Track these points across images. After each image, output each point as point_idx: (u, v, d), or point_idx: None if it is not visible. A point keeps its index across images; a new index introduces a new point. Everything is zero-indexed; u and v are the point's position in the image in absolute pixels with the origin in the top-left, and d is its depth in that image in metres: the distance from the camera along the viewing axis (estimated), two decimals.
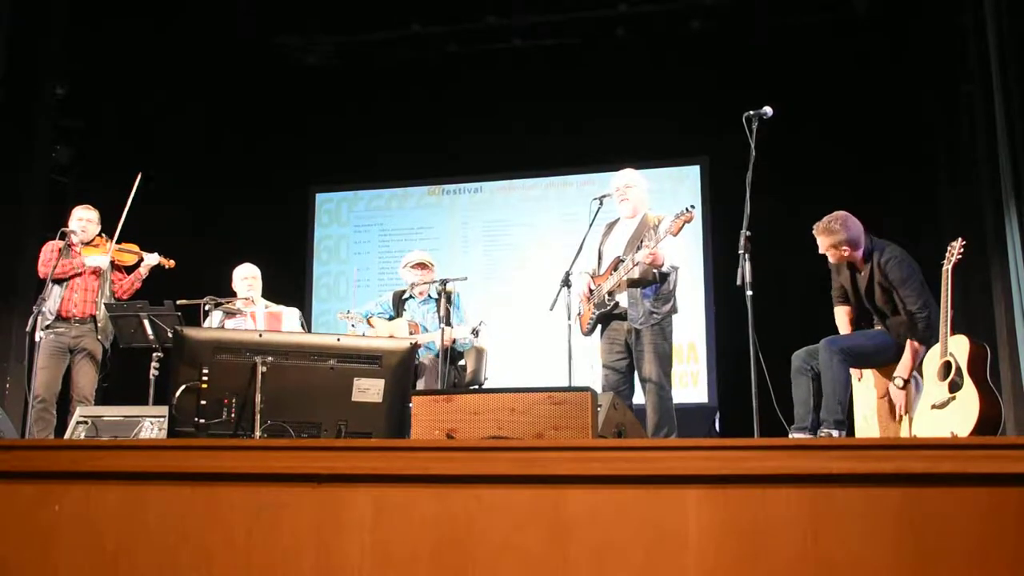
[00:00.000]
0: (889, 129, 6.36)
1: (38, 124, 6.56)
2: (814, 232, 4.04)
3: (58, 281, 5.17)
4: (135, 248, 5.40)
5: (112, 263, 5.32)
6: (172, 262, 5.37)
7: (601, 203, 4.59)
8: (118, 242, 5.35)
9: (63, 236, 5.21)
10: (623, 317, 4.44)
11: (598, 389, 4.19)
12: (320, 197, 8.05)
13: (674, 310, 4.46)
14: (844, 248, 3.96)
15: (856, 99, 6.47)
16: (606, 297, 4.48)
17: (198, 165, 7.44)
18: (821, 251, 4.06)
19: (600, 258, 4.66)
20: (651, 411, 4.35)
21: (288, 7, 7.28)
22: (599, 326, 4.57)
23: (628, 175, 4.68)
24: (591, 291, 4.58)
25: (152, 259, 5.36)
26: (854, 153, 6.29)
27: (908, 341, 3.86)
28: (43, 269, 5.18)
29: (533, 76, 7.25)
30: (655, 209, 4.62)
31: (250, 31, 7.27)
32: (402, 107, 7.49)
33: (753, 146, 3.80)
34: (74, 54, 6.79)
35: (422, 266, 5.45)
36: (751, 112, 3.85)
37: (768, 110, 3.82)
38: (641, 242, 4.33)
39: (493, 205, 7.69)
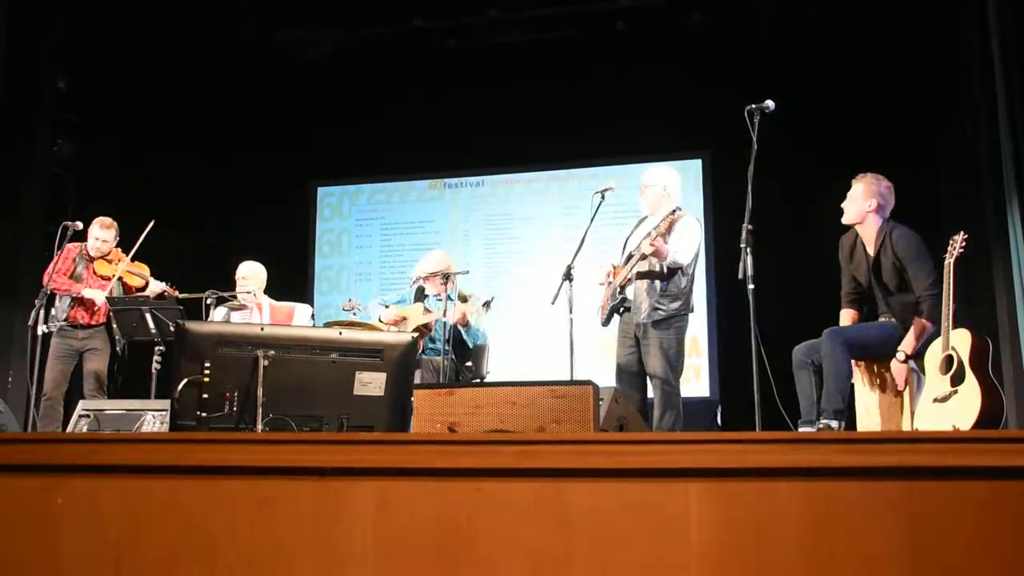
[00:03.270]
0: (891, 122, 6.35)
1: (39, 118, 6.56)
2: (857, 179, 4.03)
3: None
4: (145, 272, 5.48)
5: (120, 280, 5.43)
6: (177, 292, 5.42)
7: (603, 197, 4.61)
8: (131, 260, 5.43)
9: (72, 236, 5.29)
10: (631, 310, 4.49)
11: (608, 380, 4.24)
12: (321, 191, 8.05)
13: (686, 308, 4.46)
14: (873, 200, 3.96)
15: (858, 92, 6.45)
16: (617, 290, 4.53)
17: (199, 160, 7.44)
18: (846, 202, 4.04)
19: (624, 250, 4.69)
20: (657, 405, 4.40)
21: (289, 2, 7.27)
22: (615, 316, 4.62)
23: (646, 175, 4.71)
24: (610, 281, 4.62)
25: (157, 287, 5.44)
26: (856, 146, 6.26)
27: (915, 318, 3.84)
28: (46, 279, 5.31)
29: (534, 70, 7.23)
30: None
31: (250, 31, 7.26)
32: (403, 101, 7.48)
33: (755, 140, 3.79)
34: (75, 48, 6.78)
35: (427, 279, 5.43)
36: (753, 106, 3.84)
37: (770, 104, 3.82)
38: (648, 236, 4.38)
39: (495, 199, 7.69)
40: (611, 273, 4.65)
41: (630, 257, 4.51)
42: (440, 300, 5.34)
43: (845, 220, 4.07)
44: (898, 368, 3.86)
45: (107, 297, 5.34)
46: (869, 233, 4.02)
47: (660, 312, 4.38)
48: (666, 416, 4.36)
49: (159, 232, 5.53)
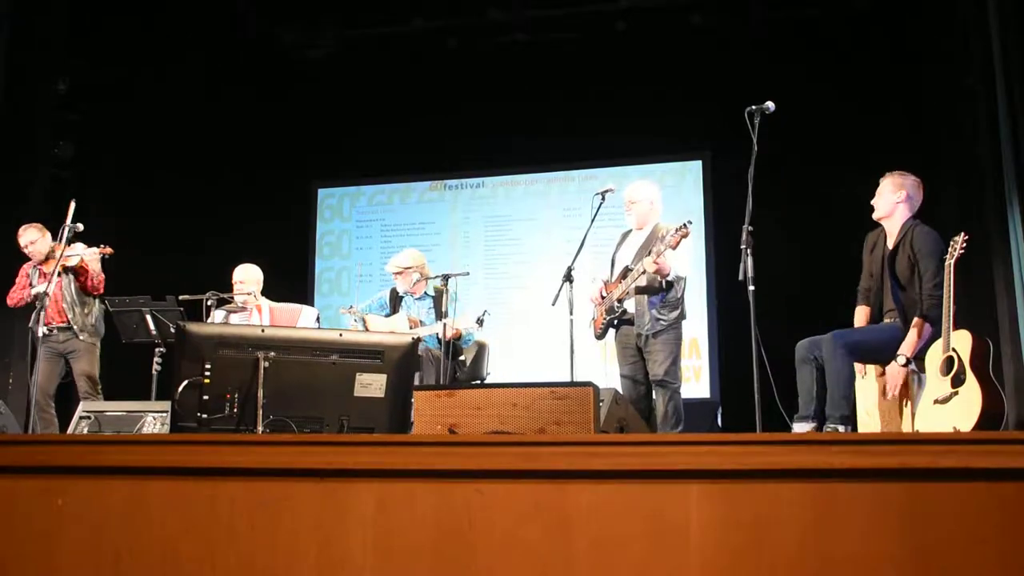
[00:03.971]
0: (892, 124, 6.35)
1: (39, 120, 6.57)
2: (883, 178, 4.06)
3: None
4: (77, 248, 5.40)
5: (67, 268, 5.36)
6: (109, 249, 5.35)
7: (603, 198, 4.66)
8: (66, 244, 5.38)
9: (72, 238, 5.29)
10: (632, 322, 4.59)
11: (608, 383, 4.28)
12: (322, 192, 8.05)
13: (682, 316, 4.60)
14: (901, 194, 3.98)
15: (858, 93, 6.45)
16: (615, 304, 4.63)
17: (200, 161, 7.44)
18: (876, 198, 4.05)
19: (613, 266, 4.80)
20: (660, 406, 4.50)
21: (290, 2, 7.28)
22: (611, 330, 4.73)
23: (632, 191, 4.78)
24: (603, 297, 4.73)
25: (89, 253, 5.34)
26: (857, 148, 6.27)
27: (915, 318, 3.83)
28: (8, 300, 5.42)
29: (535, 71, 7.24)
30: (665, 211, 4.77)
31: (250, 31, 7.27)
32: (404, 102, 7.48)
33: (755, 141, 3.79)
34: (75, 49, 6.79)
35: (399, 273, 5.45)
36: (753, 107, 3.84)
37: (770, 105, 3.82)
38: (649, 252, 4.48)
39: (495, 200, 7.69)
40: (603, 289, 4.75)
41: (627, 272, 4.60)
42: (417, 300, 5.36)
43: (876, 215, 4.09)
44: (896, 372, 3.83)
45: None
46: (893, 226, 4.03)
47: (662, 323, 4.50)
48: (669, 414, 4.45)
49: (160, 233, 5.52)
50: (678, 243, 4.35)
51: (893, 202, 4.02)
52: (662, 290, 4.51)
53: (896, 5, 6.49)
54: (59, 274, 5.28)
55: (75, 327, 5.31)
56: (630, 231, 4.82)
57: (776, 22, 6.79)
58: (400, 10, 7.27)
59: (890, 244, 4.03)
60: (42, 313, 5.14)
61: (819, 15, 6.70)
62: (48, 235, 5.42)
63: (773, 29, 6.78)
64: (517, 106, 7.21)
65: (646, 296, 4.52)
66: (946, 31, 6.06)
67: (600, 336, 4.78)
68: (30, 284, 5.40)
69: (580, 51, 7.21)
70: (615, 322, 4.66)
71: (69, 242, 5.23)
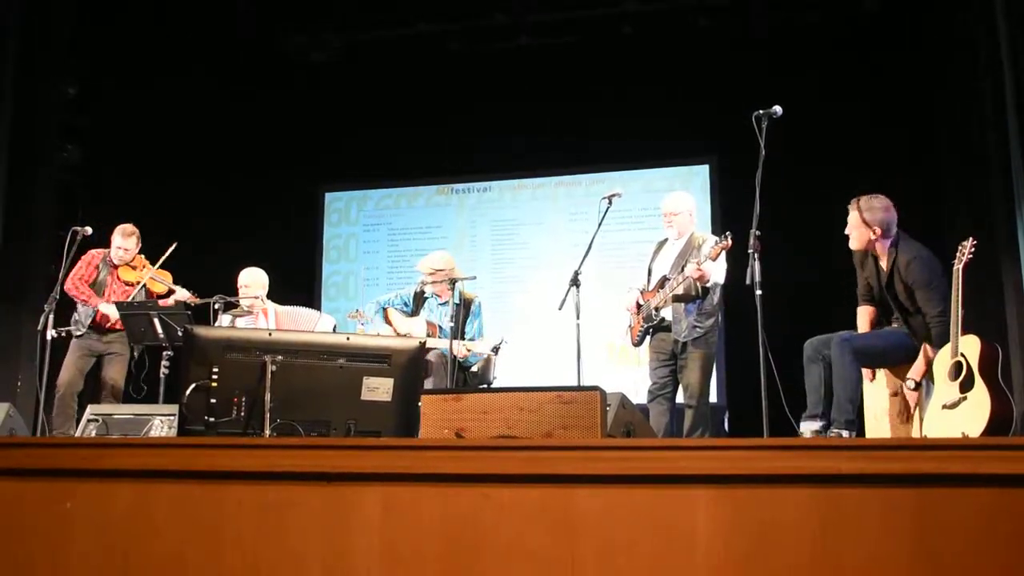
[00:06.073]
0: (899, 127, 6.33)
1: (48, 124, 6.60)
2: (851, 205, 4.00)
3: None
4: (168, 280, 5.48)
5: (143, 286, 5.44)
6: (197, 299, 5.42)
7: (610, 202, 4.69)
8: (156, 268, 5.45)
9: (81, 242, 5.30)
10: (669, 328, 4.69)
11: (614, 386, 4.29)
12: (329, 196, 8.07)
13: (718, 323, 4.71)
14: (875, 229, 3.92)
15: (866, 96, 6.43)
16: (653, 312, 4.75)
17: (206, 164, 7.46)
18: (848, 228, 4.01)
19: (650, 275, 4.92)
20: (689, 418, 4.60)
21: (295, 5, 7.30)
22: (648, 337, 4.84)
23: (673, 202, 4.89)
24: (639, 305, 4.84)
25: (182, 294, 5.41)
26: (864, 151, 6.25)
27: (923, 345, 3.84)
28: (69, 285, 5.34)
29: (541, 75, 7.24)
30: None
31: (250, 31, 7.29)
32: (410, 106, 7.49)
33: (763, 145, 3.78)
34: (83, 54, 6.82)
35: (431, 274, 5.39)
36: (760, 111, 3.84)
37: (778, 109, 3.81)
38: (686, 261, 4.60)
39: (502, 204, 7.69)
40: (639, 298, 4.84)
41: (664, 281, 4.69)
42: (443, 304, 5.34)
43: (852, 247, 4.05)
44: (909, 396, 3.87)
45: (115, 302, 5.36)
46: (879, 251, 4.01)
47: (699, 330, 4.59)
48: (696, 423, 4.55)
49: (164, 235, 5.54)
50: (718, 254, 4.44)
51: (869, 238, 3.97)
52: (699, 297, 4.60)
53: (902, 6, 6.47)
54: (129, 284, 5.37)
55: (132, 339, 5.36)
56: (666, 240, 4.91)
57: (782, 25, 6.78)
58: (404, 14, 7.28)
59: (884, 266, 4.00)
60: (51, 316, 5.14)
61: (825, 17, 6.69)
62: (140, 244, 5.49)
63: (779, 32, 6.77)
64: (523, 110, 7.21)
65: (683, 304, 4.60)
66: (953, 31, 6.04)
67: (638, 343, 4.87)
68: (96, 277, 5.37)
69: (586, 55, 7.21)
70: (651, 329, 4.76)
71: (70, 247, 5.24)
